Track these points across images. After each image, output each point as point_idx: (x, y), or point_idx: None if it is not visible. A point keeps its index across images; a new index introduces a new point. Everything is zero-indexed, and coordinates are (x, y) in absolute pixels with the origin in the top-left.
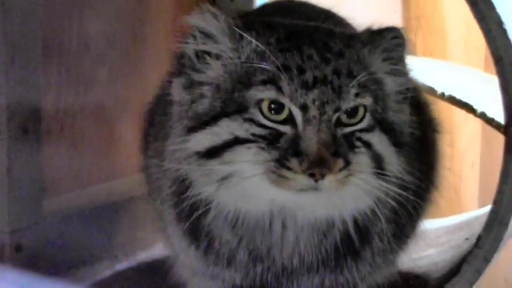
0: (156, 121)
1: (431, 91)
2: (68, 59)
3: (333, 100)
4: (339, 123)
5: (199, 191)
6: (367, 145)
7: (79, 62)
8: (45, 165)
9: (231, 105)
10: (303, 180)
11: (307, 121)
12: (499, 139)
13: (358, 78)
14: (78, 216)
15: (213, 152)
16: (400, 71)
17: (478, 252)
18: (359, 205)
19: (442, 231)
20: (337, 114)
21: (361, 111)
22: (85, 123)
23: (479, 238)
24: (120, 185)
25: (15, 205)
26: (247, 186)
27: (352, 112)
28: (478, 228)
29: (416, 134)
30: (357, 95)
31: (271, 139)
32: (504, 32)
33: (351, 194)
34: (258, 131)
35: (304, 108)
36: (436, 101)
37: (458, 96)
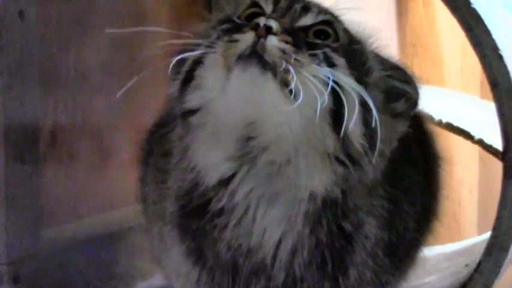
0: (155, 149)
1: (429, 118)
2: (65, 89)
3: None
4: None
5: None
6: (330, 65)
7: (76, 92)
8: (42, 194)
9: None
10: (247, 39)
11: None
12: (497, 164)
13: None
14: (76, 247)
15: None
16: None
17: (478, 278)
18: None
19: (441, 257)
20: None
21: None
22: (82, 154)
23: (479, 264)
24: (118, 215)
25: (13, 235)
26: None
27: (320, 32)
28: (477, 255)
29: (420, 166)
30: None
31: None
32: (500, 57)
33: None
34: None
35: None
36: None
37: (455, 123)
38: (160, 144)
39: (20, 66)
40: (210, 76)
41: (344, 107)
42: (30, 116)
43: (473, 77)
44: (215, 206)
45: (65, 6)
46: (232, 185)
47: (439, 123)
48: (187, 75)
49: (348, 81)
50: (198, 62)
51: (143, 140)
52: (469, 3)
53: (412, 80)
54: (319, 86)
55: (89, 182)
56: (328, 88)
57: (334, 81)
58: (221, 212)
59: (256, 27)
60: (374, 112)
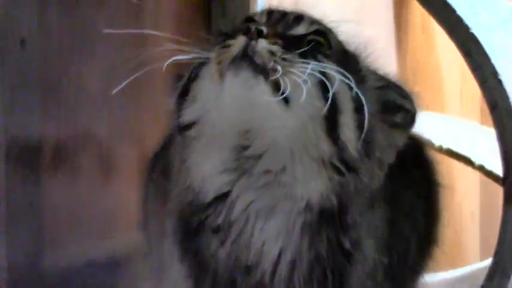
0: (156, 175)
1: (429, 144)
2: (65, 106)
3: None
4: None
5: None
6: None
7: (77, 109)
8: (44, 211)
9: None
10: (239, 42)
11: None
12: (498, 189)
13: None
14: (78, 268)
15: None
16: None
17: None
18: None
19: (443, 284)
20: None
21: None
22: (84, 170)
23: None
24: (120, 239)
25: (14, 254)
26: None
27: (313, 42)
28: (480, 280)
29: (421, 191)
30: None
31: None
32: (499, 82)
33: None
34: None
35: None
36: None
37: (455, 149)
38: (161, 161)
39: (22, 84)
40: (205, 86)
41: (338, 111)
42: (32, 133)
43: (472, 103)
44: (213, 223)
45: (66, 23)
46: (229, 200)
47: (440, 149)
48: (184, 89)
49: (337, 75)
50: (194, 75)
51: (147, 163)
52: (468, 28)
53: (409, 95)
54: (308, 83)
55: (91, 198)
56: (315, 78)
57: (324, 78)
58: (219, 228)
59: (247, 32)
60: (362, 98)
